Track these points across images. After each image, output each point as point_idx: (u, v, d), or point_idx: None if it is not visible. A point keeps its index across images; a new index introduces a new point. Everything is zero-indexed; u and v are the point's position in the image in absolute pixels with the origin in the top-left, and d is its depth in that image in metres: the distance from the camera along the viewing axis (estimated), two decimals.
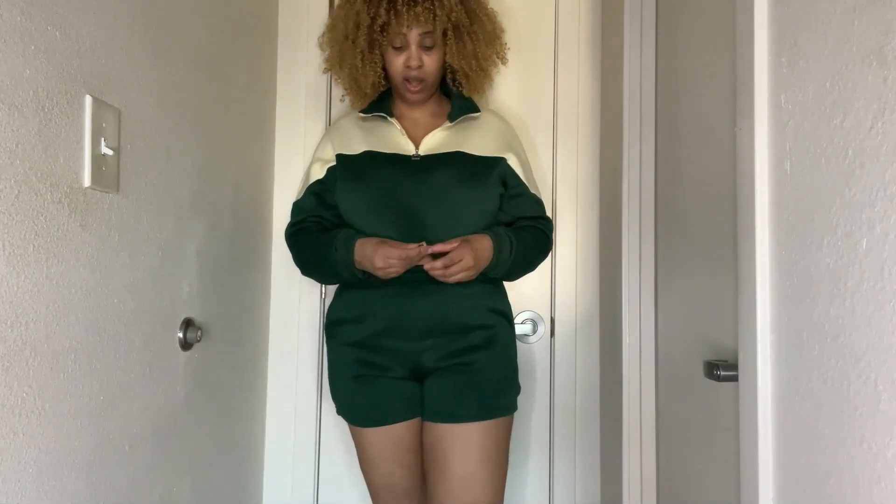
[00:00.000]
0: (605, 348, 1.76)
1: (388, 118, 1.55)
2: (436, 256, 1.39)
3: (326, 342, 1.55)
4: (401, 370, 1.48)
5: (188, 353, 1.29)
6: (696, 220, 1.28)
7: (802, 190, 0.82)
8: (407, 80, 1.51)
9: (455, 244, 1.38)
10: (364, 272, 1.45)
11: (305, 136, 1.86)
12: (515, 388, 1.51)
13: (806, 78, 0.82)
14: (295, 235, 1.56)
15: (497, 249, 1.45)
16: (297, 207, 1.58)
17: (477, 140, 1.55)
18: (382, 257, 1.37)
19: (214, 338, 1.43)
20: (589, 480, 1.82)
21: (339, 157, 1.55)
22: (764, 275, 0.90)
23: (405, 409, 1.47)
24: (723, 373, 1.01)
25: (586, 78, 1.87)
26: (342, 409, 1.52)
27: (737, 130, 0.97)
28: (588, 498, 1.82)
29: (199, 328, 1.28)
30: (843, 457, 0.74)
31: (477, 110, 1.60)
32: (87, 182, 0.94)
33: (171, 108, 1.21)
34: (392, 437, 1.47)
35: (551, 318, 1.85)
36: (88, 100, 0.94)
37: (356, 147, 1.55)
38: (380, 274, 1.40)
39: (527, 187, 1.58)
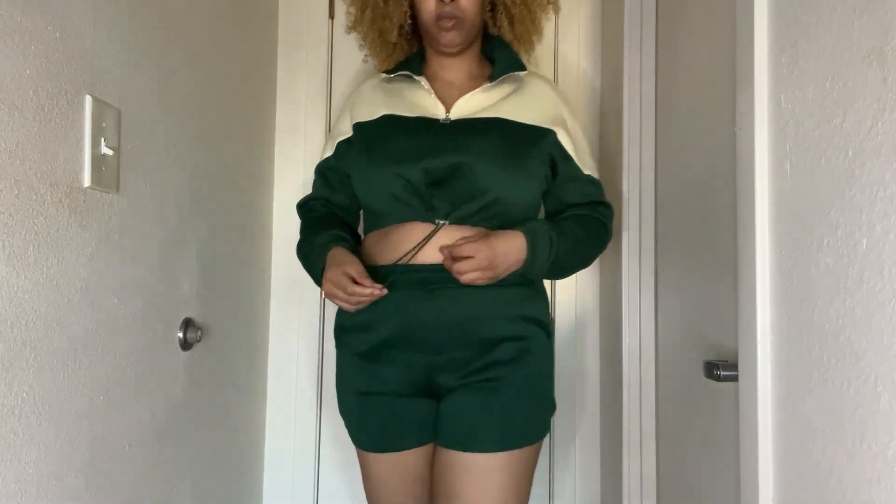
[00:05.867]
0: (605, 348, 1.76)
1: (415, 76, 1.33)
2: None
3: (335, 348, 1.36)
4: (413, 387, 1.26)
5: (188, 353, 1.29)
6: (696, 220, 1.28)
7: (802, 190, 0.82)
8: (440, 18, 1.27)
9: (469, 239, 1.17)
10: None
11: (305, 136, 1.86)
12: (549, 409, 1.29)
13: (806, 78, 0.82)
14: (302, 217, 1.43)
15: (531, 251, 1.20)
16: (313, 185, 1.43)
17: (521, 106, 1.30)
18: (329, 281, 1.19)
19: (214, 338, 1.43)
20: (589, 480, 1.82)
21: (357, 126, 1.35)
22: (764, 275, 0.90)
23: (417, 435, 1.27)
24: (723, 373, 1.01)
25: (586, 78, 1.87)
26: (348, 429, 1.34)
27: (737, 130, 0.97)
28: (588, 498, 1.82)
29: (199, 328, 1.28)
30: (843, 457, 0.74)
31: (523, 68, 1.35)
32: (87, 182, 0.94)
33: (171, 108, 1.21)
34: (400, 465, 1.28)
35: (551, 318, 1.85)
36: (88, 100, 0.94)
37: (375, 112, 1.33)
38: (328, 297, 1.22)
39: (579, 168, 1.32)
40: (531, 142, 1.27)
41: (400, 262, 1.23)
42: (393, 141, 1.27)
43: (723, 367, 1.01)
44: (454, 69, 1.36)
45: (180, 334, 1.25)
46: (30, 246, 0.83)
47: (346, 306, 1.20)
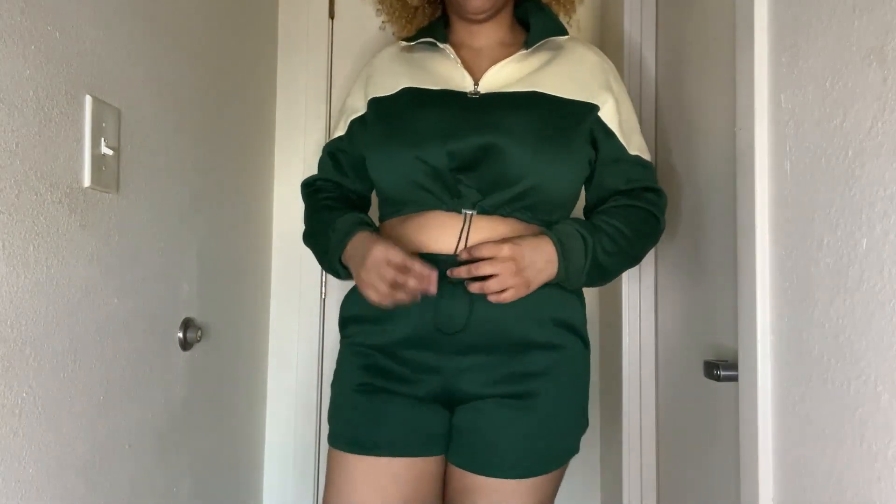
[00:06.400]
0: (605, 348, 1.76)
1: (440, 44, 1.16)
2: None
3: (340, 342, 1.21)
4: (422, 389, 1.09)
5: (188, 353, 1.29)
6: (696, 220, 1.28)
7: (802, 190, 0.82)
8: None
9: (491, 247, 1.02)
10: (348, 271, 1.13)
11: (305, 136, 1.86)
12: (582, 429, 1.14)
13: (806, 78, 0.81)
14: (307, 198, 1.27)
15: (563, 257, 1.05)
16: (319, 164, 1.28)
17: (561, 77, 1.13)
18: (375, 263, 1.01)
19: (214, 338, 1.43)
20: (589, 480, 1.82)
21: (373, 101, 1.19)
22: (764, 275, 0.90)
23: (417, 442, 1.07)
24: (723, 373, 1.01)
25: None
26: (332, 426, 1.13)
27: (737, 130, 0.97)
28: (588, 498, 1.82)
29: (199, 328, 1.28)
30: (843, 457, 0.74)
31: (563, 31, 1.18)
32: (87, 182, 0.94)
33: (171, 108, 1.21)
34: (384, 474, 1.05)
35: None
36: (88, 100, 0.94)
37: (394, 85, 1.17)
38: (362, 289, 1.05)
39: (624, 147, 1.14)
40: (574, 121, 1.11)
41: (460, 256, 1.07)
42: (413, 119, 1.11)
43: (723, 367, 1.01)
44: (482, 35, 1.19)
45: (180, 334, 1.25)
46: (30, 246, 0.83)
47: (382, 292, 1.01)
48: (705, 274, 1.22)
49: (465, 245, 1.07)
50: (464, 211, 1.08)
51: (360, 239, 1.08)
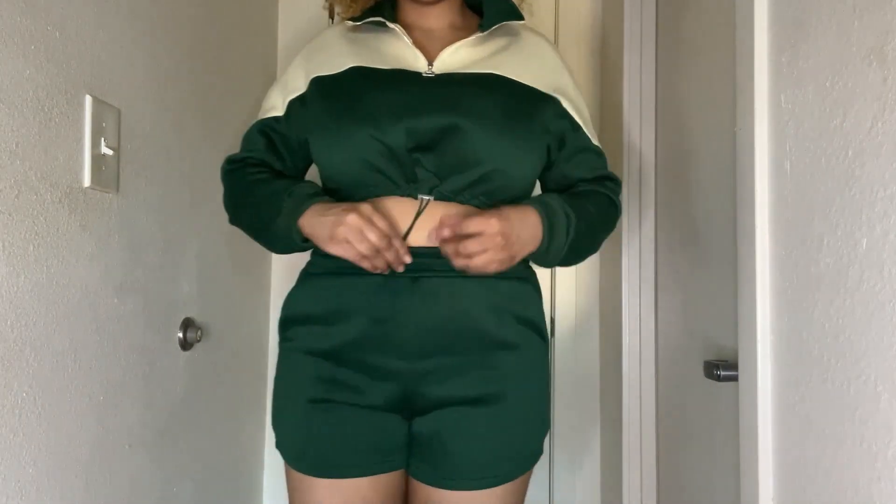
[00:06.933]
0: (605, 348, 1.76)
1: (389, 24, 1.09)
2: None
3: (278, 346, 1.11)
4: (381, 397, 1.02)
5: (188, 353, 1.29)
6: (696, 220, 1.28)
7: (802, 190, 0.82)
8: None
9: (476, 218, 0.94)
10: (305, 241, 1.02)
11: None
12: (546, 430, 1.10)
13: (806, 78, 0.81)
14: (232, 173, 1.13)
15: (548, 231, 0.99)
16: (244, 141, 1.15)
17: (520, 65, 1.09)
18: (358, 222, 0.93)
19: (214, 338, 1.43)
20: (589, 480, 1.82)
21: (316, 80, 1.10)
22: (764, 275, 0.90)
23: (381, 457, 1.02)
24: (723, 373, 1.01)
25: (586, 79, 1.87)
26: (284, 446, 1.05)
27: (737, 130, 0.97)
28: (588, 498, 1.82)
29: (199, 328, 1.28)
30: (843, 457, 0.74)
31: (520, 16, 1.14)
32: (87, 182, 0.94)
33: (171, 108, 1.21)
34: (352, 497, 1.00)
35: (551, 318, 1.85)
36: (88, 100, 0.94)
37: (340, 63, 1.09)
38: (333, 244, 0.96)
39: (589, 139, 1.13)
40: (534, 108, 1.07)
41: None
42: (365, 96, 1.03)
43: (723, 367, 1.01)
44: (432, 18, 1.13)
45: (180, 334, 1.25)
46: (30, 246, 0.83)
47: (363, 251, 0.94)
48: (705, 274, 1.23)
49: (410, 232, 1.00)
50: (420, 196, 1.01)
51: (328, 202, 1.00)
